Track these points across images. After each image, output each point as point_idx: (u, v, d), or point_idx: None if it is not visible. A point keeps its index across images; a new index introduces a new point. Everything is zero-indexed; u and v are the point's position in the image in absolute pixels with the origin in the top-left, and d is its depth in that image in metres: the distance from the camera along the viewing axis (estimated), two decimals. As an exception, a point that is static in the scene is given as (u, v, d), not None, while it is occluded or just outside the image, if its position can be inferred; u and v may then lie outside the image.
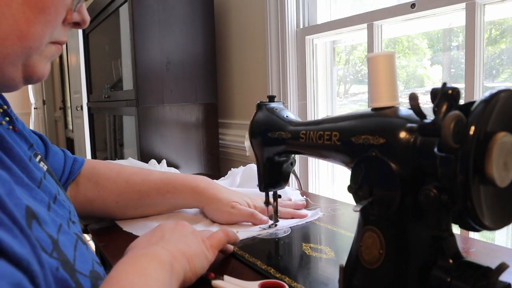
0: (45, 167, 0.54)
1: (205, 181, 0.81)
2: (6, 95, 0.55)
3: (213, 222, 0.79)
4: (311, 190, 1.46)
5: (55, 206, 0.47)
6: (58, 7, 0.43)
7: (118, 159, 1.25)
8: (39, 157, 0.54)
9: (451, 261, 0.42)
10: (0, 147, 0.44)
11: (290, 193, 0.96)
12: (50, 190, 0.49)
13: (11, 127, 0.52)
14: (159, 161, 1.26)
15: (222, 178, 1.10)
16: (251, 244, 0.68)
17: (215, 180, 0.84)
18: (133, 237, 0.57)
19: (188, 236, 0.56)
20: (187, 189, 0.79)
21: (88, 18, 0.48)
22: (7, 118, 0.53)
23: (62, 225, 0.44)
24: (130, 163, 1.12)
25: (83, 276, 0.41)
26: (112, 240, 0.74)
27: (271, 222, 0.76)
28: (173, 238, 0.54)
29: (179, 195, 0.79)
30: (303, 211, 0.83)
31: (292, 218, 0.80)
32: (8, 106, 0.56)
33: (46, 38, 0.43)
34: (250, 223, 0.77)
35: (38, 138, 0.69)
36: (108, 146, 2.20)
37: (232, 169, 1.10)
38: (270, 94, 0.89)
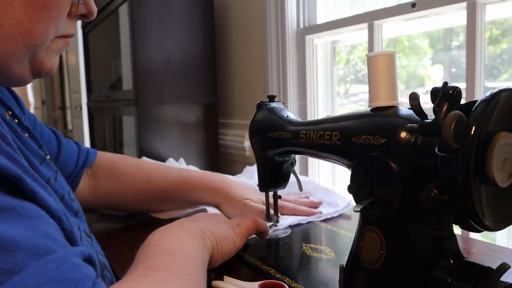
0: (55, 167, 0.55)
1: (221, 179, 0.83)
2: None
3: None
4: (311, 190, 1.46)
5: None
6: (61, 2, 0.42)
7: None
8: (48, 156, 0.55)
9: (452, 261, 0.41)
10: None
11: (309, 188, 0.93)
12: (57, 191, 0.49)
13: (19, 129, 0.52)
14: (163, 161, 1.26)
15: (238, 175, 1.11)
16: (251, 244, 0.68)
17: (230, 176, 0.85)
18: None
19: (219, 222, 0.59)
20: (204, 188, 0.81)
21: (95, 9, 0.47)
22: (16, 120, 0.54)
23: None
24: None
25: None
26: (112, 240, 0.74)
27: (271, 222, 0.76)
28: (204, 221, 0.57)
29: (196, 194, 0.81)
30: (311, 209, 0.81)
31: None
32: (19, 105, 0.57)
33: (51, 33, 0.43)
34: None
35: (51, 132, 0.72)
36: (107, 146, 2.20)
37: (247, 166, 1.12)
38: (270, 94, 0.89)
